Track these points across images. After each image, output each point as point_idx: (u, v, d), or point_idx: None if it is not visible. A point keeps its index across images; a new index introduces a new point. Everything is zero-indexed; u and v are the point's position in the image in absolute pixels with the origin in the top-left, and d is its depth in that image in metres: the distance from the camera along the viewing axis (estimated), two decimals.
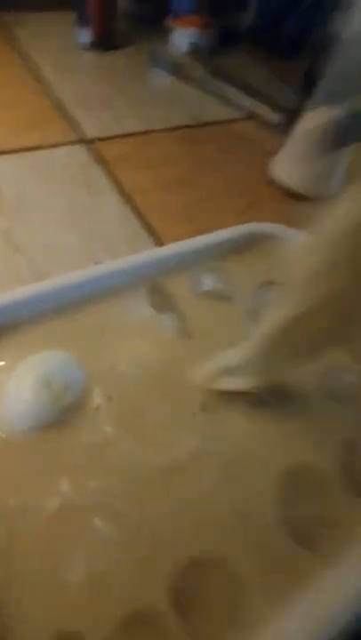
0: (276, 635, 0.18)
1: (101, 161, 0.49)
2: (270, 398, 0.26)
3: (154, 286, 0.30)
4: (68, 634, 0.18)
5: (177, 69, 0.68)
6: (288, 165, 0.51)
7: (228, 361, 0.24)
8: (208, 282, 0.31)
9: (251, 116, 0.64)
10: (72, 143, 0.51)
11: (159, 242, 0.40)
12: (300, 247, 0.20)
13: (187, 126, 0.59)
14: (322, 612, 0.19)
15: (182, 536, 0.21)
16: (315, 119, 0.47)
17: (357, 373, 0.28)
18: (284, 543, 0.21)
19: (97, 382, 0.25)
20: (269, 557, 0.21)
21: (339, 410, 0.26)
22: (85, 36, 0.65)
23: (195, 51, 0.70)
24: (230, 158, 0.56)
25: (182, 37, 0.69)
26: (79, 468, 0.23)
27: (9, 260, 0.36)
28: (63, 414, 0.24)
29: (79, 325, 0.27)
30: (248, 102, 0.65)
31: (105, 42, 0.67)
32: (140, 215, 0.44)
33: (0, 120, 0.51)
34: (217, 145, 0.57)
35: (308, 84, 0.49)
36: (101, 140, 0.52)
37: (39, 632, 0.18)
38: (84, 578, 0.19)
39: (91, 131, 0.53)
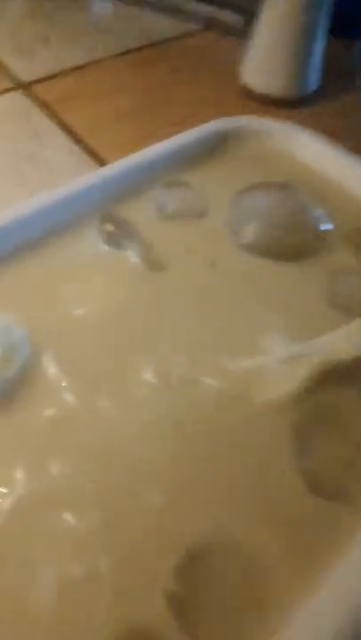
0: (305, 623, 0.13)
1: (43, 104, 0.43)
2: None
3: (106, 216, 0.24)
4: None
5: None
6: (256, 70, 0.43)
7: None
8: (173, 200, 0.25)
9: (209, 27, 0.55)
10: (7, 91, 0.44)
11: None
12: None
13: (138, 49, 0.51)
14: None
15: (176, 520, 0.16)
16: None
17: None
18: (309, 501, 0.16)
19: (47, 343, 0.20)
20: (293, 523, 0.16)
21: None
22: None
23: None
24: (193, 76, 0.47)
25: None
26: (36, 452, 0.18)
27: None
28: (7, 390, 0.19)
29: (16, 277, 0.22)
30: (206, 10, 0.56)
31: None
32: (94, 155, 0.38)
33: None
34: (176, 63, 0.49)
35: None
36: (39, 81, 0.45)
37: None
38: (54, 593, 0.15)
39: (26, 74, 0.46)
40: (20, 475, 0.17)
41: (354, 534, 0.15)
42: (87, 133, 0.39)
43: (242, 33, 0.52)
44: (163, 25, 0.55)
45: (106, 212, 0.24)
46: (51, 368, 0.20)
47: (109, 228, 0.23)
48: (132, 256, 0.23)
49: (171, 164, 0.26)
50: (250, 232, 0.23)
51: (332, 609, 0.13)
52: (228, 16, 0.55)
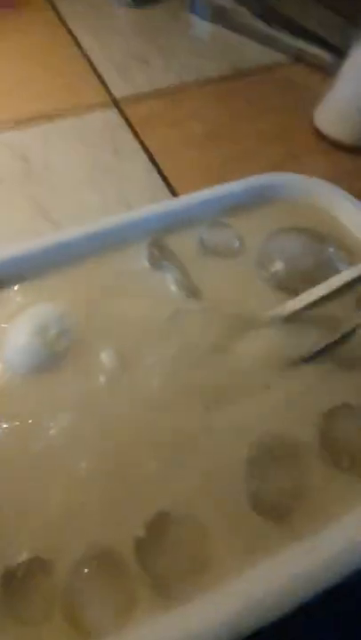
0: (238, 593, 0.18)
1: (129, 122, 0.48)
2: None
3: (154, 242, 0.29)
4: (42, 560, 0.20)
5: (220, 16, 0.63)
6: (333, 111, 0.45)
7: None
8: (213, 238, 0.30)
9: (299, 59, 0.57)
10: (101, 106, 0.50)
11: None
12: None
13: (223, 77, 0.55)
14: (285, 581, 0.18)
15: (155, 488, 0.21)
16: None
17: None
18: (253, 514, 0.21)
19: (92, 332, 0.26)
20: (238, 524, 0.20)
21: (337, 376, 0.24)
22: None
23: None
24: (272, 107, 0.50)
25: None
26: (71, 412, 0.24)
27: (37, 227, 0.36)
28: (58, 360, 0.25)
29: (73, 278, 0.28)
30: (297, 43, 0.58)
31: None
32: (162, 176, 0.43)
33: (33, 87, 0.52)
34: (257, 94, 0.52)
35: None
36: (130, 99, 0.51)
37: (18, 553, 0.20)
38: (62, 508, 0.21)
39: (121, 91, 0.51)
40: (57, 424, 0.23)
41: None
42: (159, 155, 0.44)
43: (330, 69, 0.54)
44: (251, 53, 0.58)
45: (155, 238, 0.29)
46: (92, 349, 0.25)
47: (155, 251, 0.29)
48: (169, 279, 0.28)
49: (218, 207, 0.31)
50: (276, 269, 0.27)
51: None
52: (318, 51, 0.57)
